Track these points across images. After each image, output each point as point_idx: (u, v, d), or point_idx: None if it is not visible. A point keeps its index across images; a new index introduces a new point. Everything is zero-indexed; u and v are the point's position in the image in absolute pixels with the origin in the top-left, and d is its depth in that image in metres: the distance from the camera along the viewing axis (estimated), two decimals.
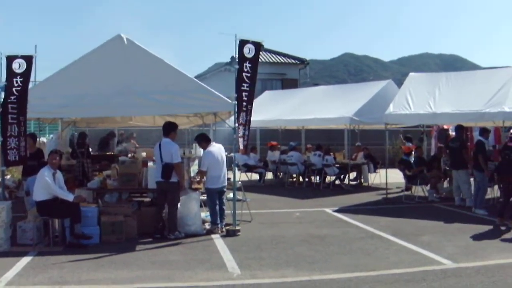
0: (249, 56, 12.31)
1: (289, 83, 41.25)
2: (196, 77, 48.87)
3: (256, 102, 25.63)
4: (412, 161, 18.29)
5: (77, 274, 8.72)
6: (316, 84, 39.32)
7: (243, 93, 12.19)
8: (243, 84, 12.18)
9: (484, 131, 15.72)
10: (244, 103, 12.22)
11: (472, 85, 16.91)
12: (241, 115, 12.14)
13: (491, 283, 8.14)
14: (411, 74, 18.91)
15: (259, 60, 12.68)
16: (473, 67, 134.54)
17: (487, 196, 16.38)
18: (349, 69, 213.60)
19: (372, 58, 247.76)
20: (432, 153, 21.38)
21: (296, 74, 45.11)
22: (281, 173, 23.47)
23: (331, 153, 21.48)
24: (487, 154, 16.14)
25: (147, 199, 14.00)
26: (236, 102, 12.01)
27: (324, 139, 28.30)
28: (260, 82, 40.50)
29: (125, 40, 12.59)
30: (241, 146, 12.36)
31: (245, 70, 12.26)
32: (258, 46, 12.55)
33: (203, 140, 12.55)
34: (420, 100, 16.86)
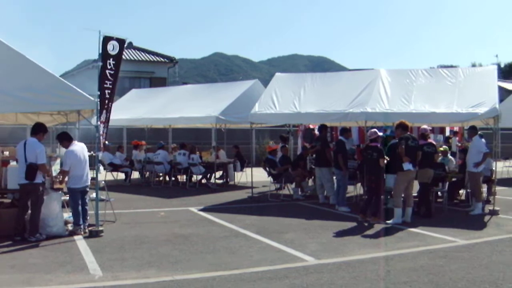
0: (113, 53, 12.00)
1: (157, 82, 40.98)
2: (64, 74, 47.75)
3: (123, 100, 25.38)
4: (277, 160, 18.46)
5: None
6: (185, 83, 39.23)
7: (106, 91, 11.89)
8: (106, 81, 11.88)
9: (344, 131, 16.13)
10: (106, 101, 11.91)
11: (336, 86, 17.31)
12: (103, 113, 11.81)
13: (351, 278, 8.24)
14: (277, 74, 19.10)
15: (127, 58, 12.44)
16: (340, 68, 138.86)
17: (350, 194, 16.83)
18: (219, 69, 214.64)
19: (242, 58, 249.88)
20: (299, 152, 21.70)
21: (165, 73, 44.86)
22: (147, 172, 23.14)
23: (197, 152, 21.37)
24: (350, 152, 16.58)
25: (7, 200, 13.31)
26: (99, 100, 11.64)
27: (192, 138, 28.27)
28: (128, 80, 40.07)
29: None
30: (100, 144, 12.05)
31: (109, 67, 11.96)
32: (122, 43, 12.27)
33: (65, 139, 12.08)
34: (285, 100, 17.05)
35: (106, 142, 12.68)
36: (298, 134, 23.49)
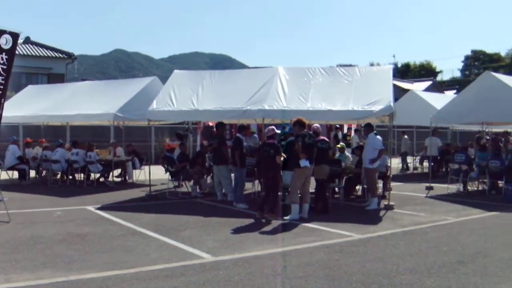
0: (6, 47, 11.65)
1: (55, 78, 39.99)
2: None
3: (19, 97, 24.62)
4: (176, 158, 18.36)
5: None
6: (84, 80, 38.43)
7: None
8: None
9: (242, 128, 16.23)
10: None
11: (235, 84, 17.38)
12: None
13: (248, 274, 8.26)
14: (176, 71, 18.97)
15: (23, 53, 12.09)
16: (241, 66, 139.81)
17: (248, 191, 16.93)
18: (120, 66, 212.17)
19: (143, 55, 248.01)
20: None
21: (63, 69, 43.81)
22: (44, 171, 22.54)
23: (95, 150, 20.99)
24: (247, 150, 16.68)
25: None
26: None
27: (90, 135, 27.77)
28: (24, 77, 38.94)
29: None
30: None
31: (1, 62, 11.58)
32: (16, 37, 11.92)
33: None
34: (183, 97, 16.97)
35: None
36: (198, 131, 23.45)
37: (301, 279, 8.06)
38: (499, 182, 19.00)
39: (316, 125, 15.10)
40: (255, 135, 20.59)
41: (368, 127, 15.76)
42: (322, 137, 15.07)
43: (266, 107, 15.58)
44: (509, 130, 33.17)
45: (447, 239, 11.20)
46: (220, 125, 16.76)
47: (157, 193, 18.25)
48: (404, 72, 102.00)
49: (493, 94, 18.70)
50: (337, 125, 23.88)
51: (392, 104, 15.06)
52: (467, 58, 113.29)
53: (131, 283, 7.83)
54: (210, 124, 21.39)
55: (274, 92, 16.20)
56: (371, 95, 15.64)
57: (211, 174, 18.69)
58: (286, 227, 12.29)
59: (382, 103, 15.08)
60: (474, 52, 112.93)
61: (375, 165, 15.18)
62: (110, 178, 21.29)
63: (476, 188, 20.14)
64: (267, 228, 12.29)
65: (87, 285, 7.75)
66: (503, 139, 27.11)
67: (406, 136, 29.45)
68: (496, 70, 67.15)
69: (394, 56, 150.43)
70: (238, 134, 16.05)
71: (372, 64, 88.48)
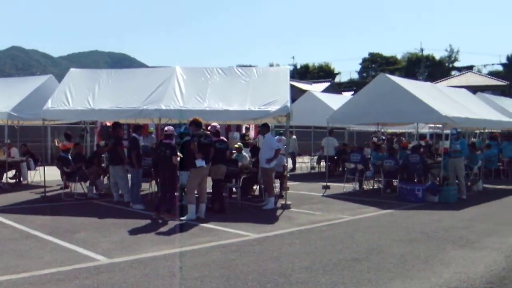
0: None
1: None
2: None
3: None
4: (71, 158, 18.02)
5: None
6: None
7: None
8: None
9: (138, 128, 16.12)
10: None
11: (132, 83, 17.18)
12: None
13: (143, 276, 8.22)
14: (72, 69, 18.58)
15: None
16: (141, 66, 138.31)
17: (146, 192, 16.82)
18: (16, 64, 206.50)
19: (41, 53, 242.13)
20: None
21: None
22: None
23: None
24: (144, 150, 16.56)
25: None
26: None
27: None
28: None
29: None
30: None
31: None
32: None
33: None
34: (79, 96, 16.63)
35: None
36: (95, 131, 23.08)
37: (196, 279, 8.08)
38: (393, 181, 19.60)
39: (215, 124, 15.11)
40: (153, 135, 20.44)
41: (265, 127, 15.92)
42: (221, 137, 15.13)
43: (163, 107, 15.51)
44: (403, 131, 34.35)
45: (343, 237, 11.48)
46: (116, 125, 16.54)
47: (53, 194, 17.81)
48: (303, 73, 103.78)
49: (388, 95, 19.28)
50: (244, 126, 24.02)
51: (288, 104, 15.27)
52: (364, 60, 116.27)
53: None
54: (108, 124, 21.09)
55: (171, 92, 16.13)
56: (268, 95, 15.82)
57: (107, 175, 18.45)
58: (182, 228, 12.30)
59: (279, 104, 15.28)
60: (372, 54, 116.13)
61: (271, 164, 15.34)
62: (3, 180, 20.63)
63: (371, 187, 20.70)
64: (164, 228, 12.25)
65: None
66: (395, 139, 27.95)
67: (294, 137, 29.78)
68: (392, 72, 69.39)
69: (293, 57, 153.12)
70: (134, 134, 15.92)
71: (271, 65, 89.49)
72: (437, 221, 13.77)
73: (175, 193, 13.81)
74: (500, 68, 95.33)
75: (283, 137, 16.17)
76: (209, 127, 14.47)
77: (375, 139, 25.15)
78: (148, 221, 13.05)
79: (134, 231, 11.86)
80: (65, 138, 20.75)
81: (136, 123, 16.82)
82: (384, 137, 28.71)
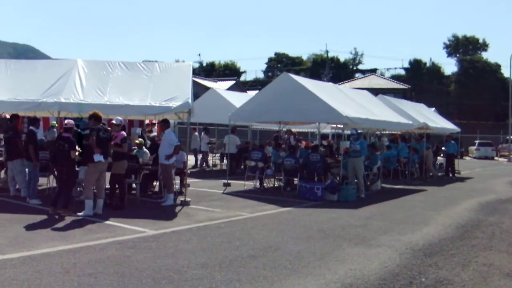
0: None
1: None
2: None
3: None
4: None
5: None
6: None
7: None
8: None
9: (35, 121, 15.79)
10: None
11: (32, 74, 16.76)
12: None
13: (35, 273, 8.05)
14: None
15: None
16: (46, 58, 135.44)
17: (44, 186, 16.46)
18: None
19: None
20: None
21: None
22: None
23: None
24: (40, 144, 16.20)
25: None
26: None
27: None
28: None
29: None
30: None
31: None
32: None
33: None
34: None
35: None
36: None
37: (90, 276, 7.99)
38: (294, 179, 19.87)
39: (119, 118, 14.88)
40: (54, 129, 19.98)
41: (165, 123, 15.90)
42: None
43: (62, 100, 15.18)
44: (305, 131, 34.89)
45: (240, 234, 11.59)
46: (14, 117, 16.06)
47: None
48: (209, 71, 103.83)
49: (290, 94, 19.55)
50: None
51: (190, 101, 15.29)
52: (270, 60, 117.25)
53: None
54: (7, 116, 20.49)
55: (71, 85, 15.82)
56: (170, 91, 15.80)
57: (4, 169, 17.93)
58: (79, 223, 12.10)
59: (180, 100, 15.28)
60: (278, 54, 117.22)
61: (171, 161, 15.33)
62: None
63: (272, 185, 20.93)
64: (60, 224, 12.03)
65: None
66: (292, 137, 28.29)
67: (196, 133, 29.78)
68: (297, 73, 70.34)
69: (199, 54, 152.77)
70: (31, 127, 15.53)
71: (177, 61, 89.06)
72: (335, 219, 14.08)
73: (72, 188, 13.56)
74: (403, 72, 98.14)
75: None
76: (65, 121, 14.11)
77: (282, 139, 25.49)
78: (44, 217, 12.74)
79: (29, 227, 11.58)
80: None
81: (34, 116, 16.38)
82: (286, 136, 28.96)
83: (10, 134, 15.68)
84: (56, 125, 19.59)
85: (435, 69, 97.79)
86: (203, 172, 27.03)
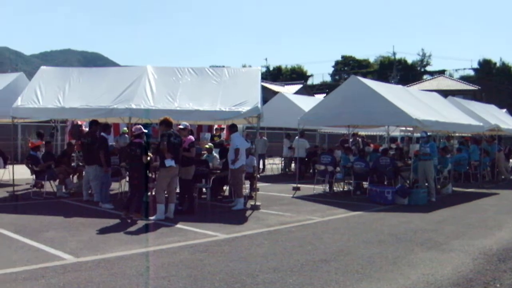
0: None
1: None
2: None
3: None
4: (40, 157, 17.86)
5: None
6: None
7: None
8: None
9: (106, 127, 16.05)
10: None
11: (103, 82, 17.12)
12: None
13: (110, 275, 8.19)
14: (42, 67, 18.47)
15: None
16: (114, 65, 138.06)
17: (115, 191, 16.73)
18: None
19: (13, 50, 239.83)
20: None
21: None
22: None
23: None
24: (110, 149, 16.47)
25: None
26: None
27: None
28: None
29: None
30: None
31: None
32: None
33: None
34: (50, 95, 16.56)
35: None
36: (66, 130, 22.91)
37: (164, 279, 8.08)
38: (363, 183, 19.71)
39: (185, 123, 15.04)
40: (126, 135, 20.30)
41: (232, 128, 15.97)
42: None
43: (133, 106, 15.48)
44: (374, 134, 34.52)
45: (311, 238, 11.53)
46: (94, 123, 16.35)
47: (21, 193, 17.62)
48: (275, 75, 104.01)
49: (359, 98, 19.38)
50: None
51: (259, 105, 15.33)
52: (337, 63, 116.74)
53: None
54: (79, 122, 20.97)
55: (142, 91, 16.13)
56: (239, 96, 15.88)
57: (77, 174, 18.34)
58: (151, 227, 12.28)
59: (250, 104, 15.33)
60: (344, 57, 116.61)
61: (237, 165, 15.34)
62: None
63: (341, 189, 20.80)
64: (132, 228, 12.21)
65: None
66: (359, 139, 28.02)
67: (264, 138, 29.70)
68: (364, 75, 69.76)
69: (266, 59, 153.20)
70: (102, 133, 15.80)
71: (244, 66, 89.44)
72: (406, 223, 13.89)
73: (144, 193, 13.75)
74: (472, 73, 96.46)
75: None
76: (135, 127, 14.26)
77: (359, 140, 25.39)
78: (117, 221, 12.99)
79: (102, 231, 11.80)
80: (37, 137, 20.58)
81: (105, 122, 16.68)
82: (352, 139, 28.69)
83: (88, 140, 16.00)
84: (127, 131, 19.90)
85: (505, 69, 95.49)
86: (285, 176, 27.22)
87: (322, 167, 20.07)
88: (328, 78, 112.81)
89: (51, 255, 9.50)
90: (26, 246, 10.20)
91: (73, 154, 18.89)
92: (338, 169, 20.19)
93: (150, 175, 15.03)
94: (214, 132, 23.43)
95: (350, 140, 26.30)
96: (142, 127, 13.98)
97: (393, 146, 27.06)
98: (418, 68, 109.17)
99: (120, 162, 16.53)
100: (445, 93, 33.12)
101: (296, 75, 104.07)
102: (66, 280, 7.94)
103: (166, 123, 13.59)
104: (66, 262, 9.04)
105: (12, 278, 8.00)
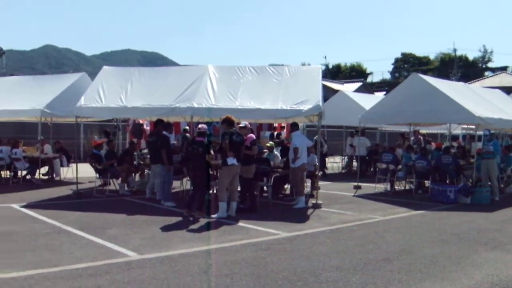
0: None
1: None
2: None
3: None
4: (103, 155, 18.14)
5: None
6: (12, 75, 37.48)
7: None
8: None
9: (168, 126, 16.15)
10: None
11: (164, 81, 17.29)
12: None
13: (173, 272, 8.25)
14: (105, 67, 18.72)
15: None
16: (173, 64, 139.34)
17: (177, 189, 16.86)
18: (50, 62, 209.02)
19: (74, 51, 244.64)
20: None
21: None
22: None
23: (21, 146, 20.51)
24: (171, 147, 16.57)
25: None
26: None
27: (16, 132, 27.19)
28: None
29: None
30: None
31: None
32: None
33: None
34: (112, 94, 16.79)
35: None
36: (127, 129, 23.20)
37: (226, 277, 8.08)
38: (425, 181, 19.44)
39: (244, 122, 15.07)
40: (187, 134, 20.45)
41: (294, 127, 15.92)
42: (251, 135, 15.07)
43: (195, 105, 15.57)
44: (435, 132, 33.98)
45: (373, 237, 11.41)
46: (159, 122, 16.49)
47: (85, 191, 17.89)
48: (335, 73, 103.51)
49: (420, 95, 19.09)
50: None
51: (320, 103, 15.25)
52: (397, 60, 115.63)
53: (54, 282, 7.70)
54: (140, 121, 21.22)
55: (203, 90, 16.22)
56: (300, 94, 15.83)
57: (139, 172, 18.56)
58: (213, 225, 12.30)
59: (311, 103, 15.27)
60: (404, 55, 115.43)
61: (297, 163, 15.28)
62: (37, 176, 20.87)
63: (403, 188, 20.55)
64: (194, 226, 12.29)
65: (9, 285, 7.60)
66: (421, 137, 27.58)
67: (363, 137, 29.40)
68: (425, 72, 68.64)
69: (325, 57, 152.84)
70: (164, 132, 15.94)
71: (303, 65, 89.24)
72: (469, 222, 13.64)
73: (206, 191, 13.81)
74: None
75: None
76: (199, 126, 14.33)
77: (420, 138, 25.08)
78: (179, 219, 13.10)
79: (165, 228, 11.91)
80: (104, 135, 20.91)
81: (167, 121, 16.81)
82: (413, 137, 28.28)
83: (153, 139, 16.16)
84: (188, 129, 20.05)
85: None
86: (346, 174, 27.23)
87: (384, 166, 19.85)
88: (387, 76, 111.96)
89: (115, 252, 9.63)
90: (91, 243, 10.36)
91: (134, 153, 19.11)
92: (399, 167, 19.92)
93: (211, 173, 15.12)
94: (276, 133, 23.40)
95: (412, 138, 25.93)
96: (206, 126, 14.07)
97: (455, 144, 26.61)
98: (480, 65, 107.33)
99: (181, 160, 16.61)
100: (508, 90, 32.40)
101: (355, 73, 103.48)
102: (131, 276, 8.02)
103: (228, 122, 13.62)
104: (130, 259, 9.14)
105: (77, 273, 8.12)
